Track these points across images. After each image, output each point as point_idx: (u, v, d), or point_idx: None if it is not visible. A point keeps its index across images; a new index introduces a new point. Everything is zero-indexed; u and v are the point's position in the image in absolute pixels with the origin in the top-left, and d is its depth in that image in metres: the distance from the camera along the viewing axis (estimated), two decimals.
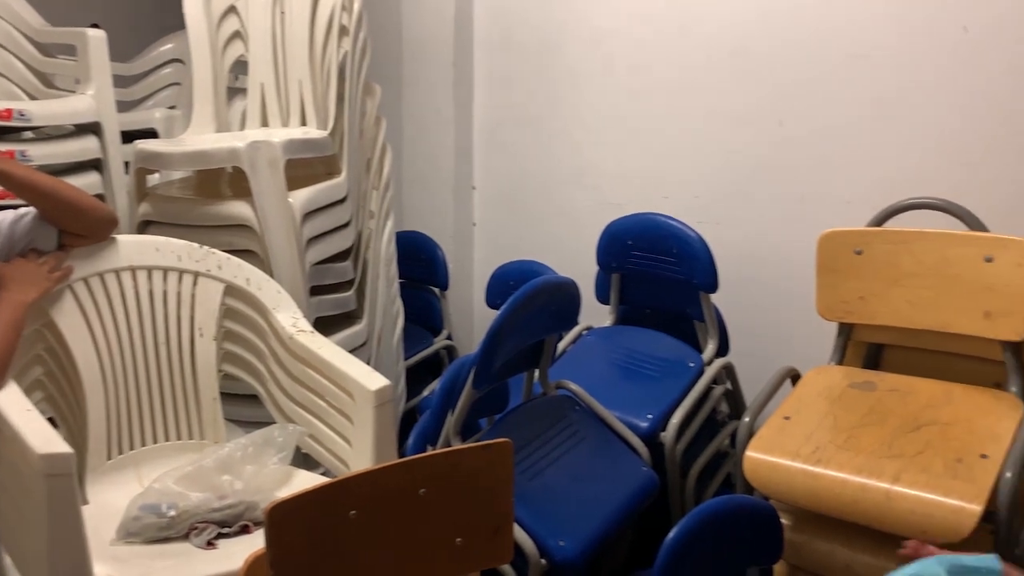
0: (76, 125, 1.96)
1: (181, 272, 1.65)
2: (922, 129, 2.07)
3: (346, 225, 2.02)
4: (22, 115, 1.80)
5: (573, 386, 1.88)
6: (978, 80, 1.98)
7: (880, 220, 1.80)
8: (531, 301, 1.66)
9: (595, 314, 2.32)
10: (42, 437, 1.16)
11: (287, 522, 1.00)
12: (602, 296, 2.32)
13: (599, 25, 2.56)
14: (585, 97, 2.64)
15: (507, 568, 1.50)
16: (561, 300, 1.80)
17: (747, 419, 1.68)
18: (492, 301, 2.69)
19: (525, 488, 1.58)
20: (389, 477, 1.11)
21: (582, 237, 2.41)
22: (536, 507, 1.55)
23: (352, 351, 1.93)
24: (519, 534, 1.46)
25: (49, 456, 1.13)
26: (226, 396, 1.72)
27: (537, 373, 1.87)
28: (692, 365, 2.04)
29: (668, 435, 1.84)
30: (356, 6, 2.08)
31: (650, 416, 1.86)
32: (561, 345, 2.21)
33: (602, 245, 2.25)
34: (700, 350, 2.11)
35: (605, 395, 1.88)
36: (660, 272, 2.16)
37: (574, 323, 2.14)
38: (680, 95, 2.45)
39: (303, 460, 1.66)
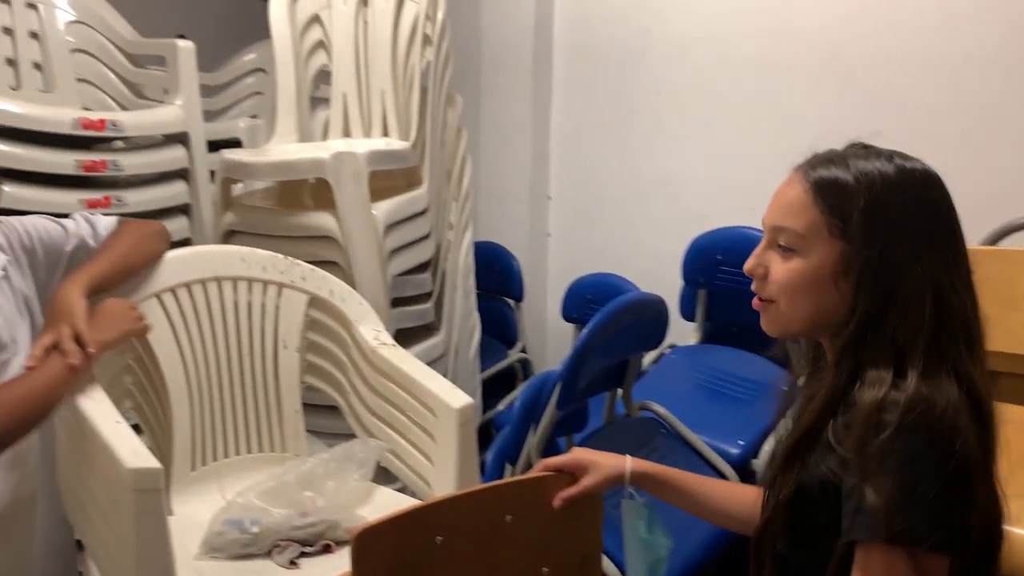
0: (164, 135, 1.99)
1: (266, 283, 1.64)
2: None
3: (426, 237, 1.99)
4: (114, 125, 1.82)
5: (658, 408, 1.82)
6: None
7: (995, 238, 1.69)
8: (618, 319, 1.60)
9: (677, 331, 2.24)
10: (131, 451, 1.15)
11: (374, 546, 0.97)
12: (687, 312, 2.24)
13: (685, 32, 2.49)
14: (668, 105, 2.57)
15: None
16: (648, 318, 1.74)
17: None
18: (568, 314, 2.63)
19: (611, 516, 1.52)
20: (476, 503, 1.07)
21: (661, 249, 2.34)
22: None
23: (429, 363, 1.91)
24: (607, 565, 1.40)
25: (139, 471, 1.13)
26: (305, 407, 1.70)
27: (620, 393, 1.81)
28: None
29: (761, 462, 1.75)
30: (439, 15, 2.06)
31: (741, 442, 1.78)
32: (643, 363, 2.14)
33: (689, 260, 2.18)
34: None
35: (692, 418, 1.81)
36: (751, 289, 2.07)
37: (661, 342, 2.07)
38: (768, 102, 2.36)
39: (381, 472, 1.63)
